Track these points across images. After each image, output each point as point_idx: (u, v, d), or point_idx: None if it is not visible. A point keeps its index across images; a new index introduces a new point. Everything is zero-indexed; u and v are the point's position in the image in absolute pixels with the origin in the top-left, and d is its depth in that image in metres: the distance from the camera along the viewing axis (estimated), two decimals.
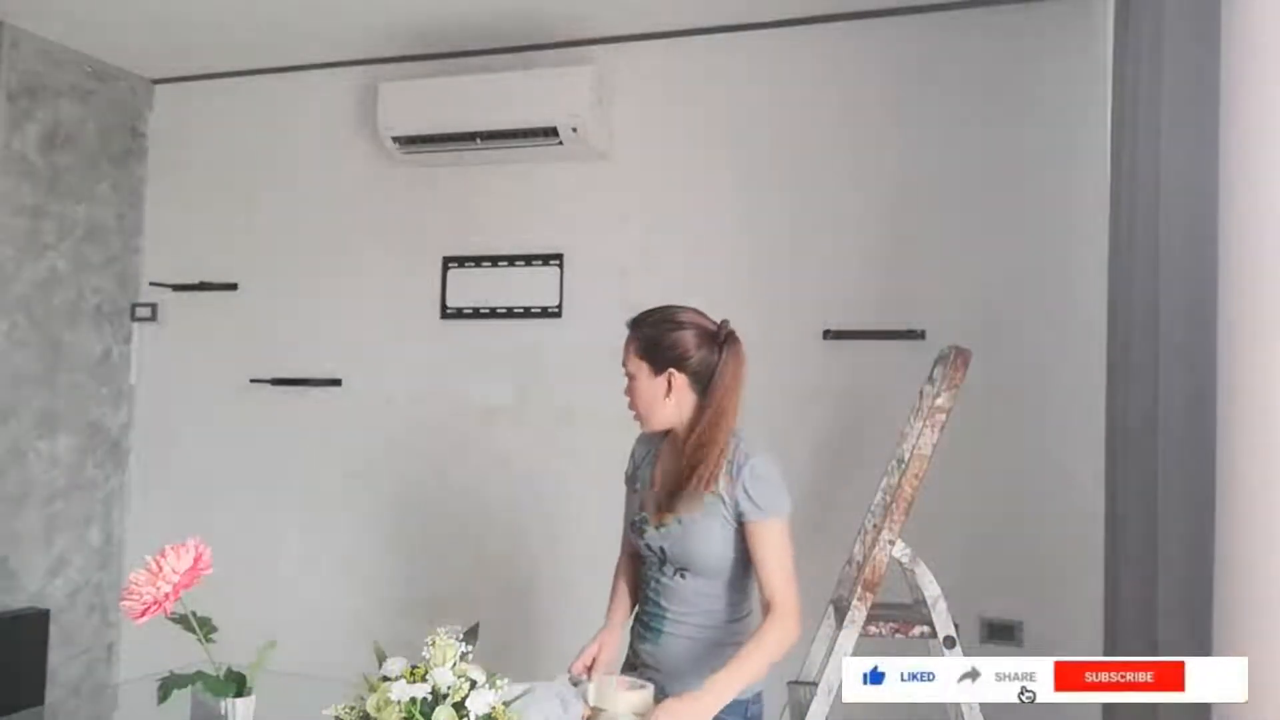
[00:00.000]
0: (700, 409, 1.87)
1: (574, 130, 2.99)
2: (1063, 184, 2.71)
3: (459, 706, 1.34)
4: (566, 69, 3.04)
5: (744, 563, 1.86)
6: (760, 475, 1.82)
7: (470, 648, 1.42)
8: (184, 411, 3.61)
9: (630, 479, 2.09)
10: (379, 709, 1.35)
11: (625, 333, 3.21)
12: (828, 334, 2.89)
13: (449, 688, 1.35)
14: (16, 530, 3.26)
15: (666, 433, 1.97)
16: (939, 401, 2.05)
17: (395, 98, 3.15)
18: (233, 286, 3.56)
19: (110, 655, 3.59)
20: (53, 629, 3.30)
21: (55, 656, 3.33)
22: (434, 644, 1.39)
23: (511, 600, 3.15)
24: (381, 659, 1.42)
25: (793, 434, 2.92)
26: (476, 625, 1.48)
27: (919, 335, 2.78)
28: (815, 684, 2.09)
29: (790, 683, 2.31)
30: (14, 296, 3.24)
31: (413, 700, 1.33)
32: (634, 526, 1.98)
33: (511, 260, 3.24)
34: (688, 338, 1.90)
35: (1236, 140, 1.49)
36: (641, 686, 1.68)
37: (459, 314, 3.29)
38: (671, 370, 1.88)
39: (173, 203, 3.67)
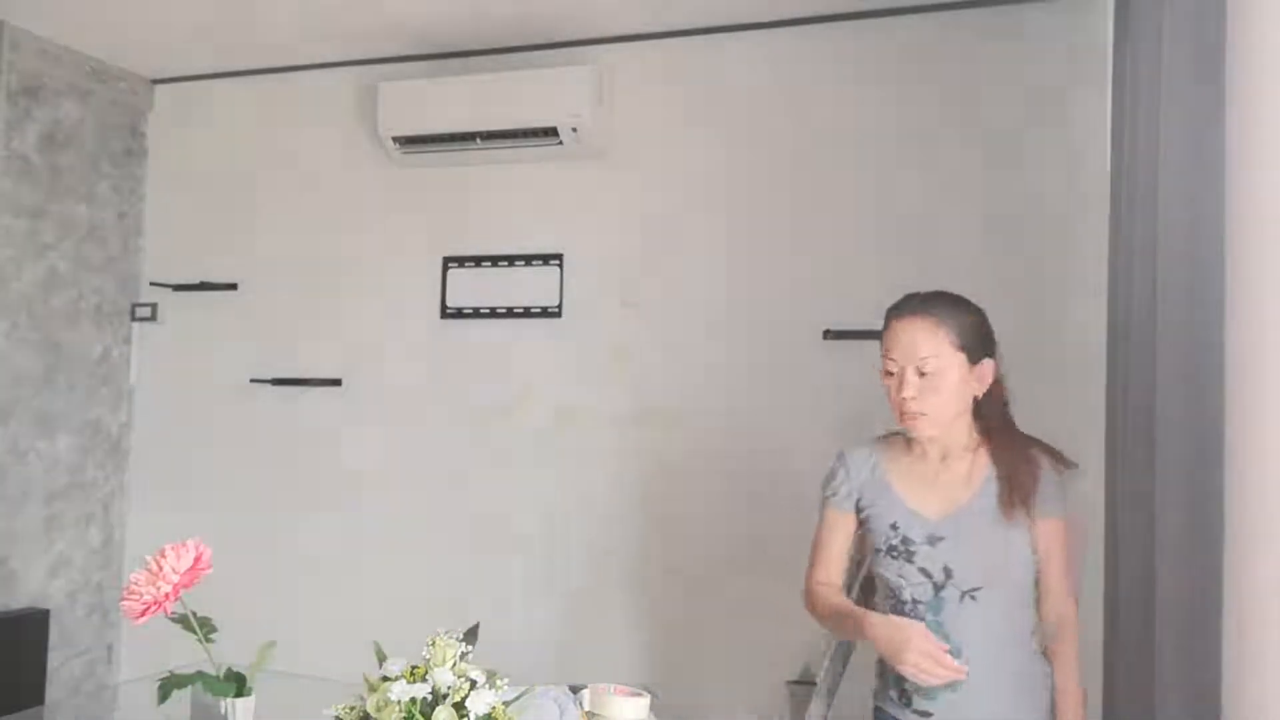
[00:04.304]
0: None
1: (574, 130, 3.00)
2: (1063, 184, 2.71)
3: (459, 706, 1.34)
4: (566, 69, 3.04)
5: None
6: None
7: (470, 648, 1.42)
8: (184, 411, 3.61)
9: (857, 501, 1.85)
10: (379, 709, 1.35)
11: (633, 332, 3.20)
12: (828, 334, 2.89)
13: (449, 688, 1.35)
14: (16, 530, 3.26)
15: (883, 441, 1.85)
16: None
17: (395, 98, 3.15)
18: (233, 286, 3.56)
19: (110, 655, 3.59)
20: (53, 629, 3.30)
21: (55, 656, 3.33)
22: (434, 644, 1.39)
23: (511, 601, 3.15)
24: (381, 659, 1.42)
25: (793, 434, 2.92)
26: (476, 625, 1.48)
27: None
28: (815, 684, 2.09)
29: (790, 683, 2.31)
30: (14, 296, 3.24)
31: (413, 700, 1.33)
32: (894, 551, 1.76)
33: (511, 260, 3.24)
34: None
35: (1241, 140, 1.49)
36: (638, 694, 1.68)
37: (459, 314, 3.29)
38: (988, 359, 1.72)
39: (173, 203, 3.68)
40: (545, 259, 3.21)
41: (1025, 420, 2.76)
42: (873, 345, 2.82)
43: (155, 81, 3.71)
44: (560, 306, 3.18)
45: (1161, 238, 1.81)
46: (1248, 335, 1.45)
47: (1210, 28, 1.63)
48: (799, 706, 2.17)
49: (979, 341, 1.71)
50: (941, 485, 1.74)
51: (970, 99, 2.82)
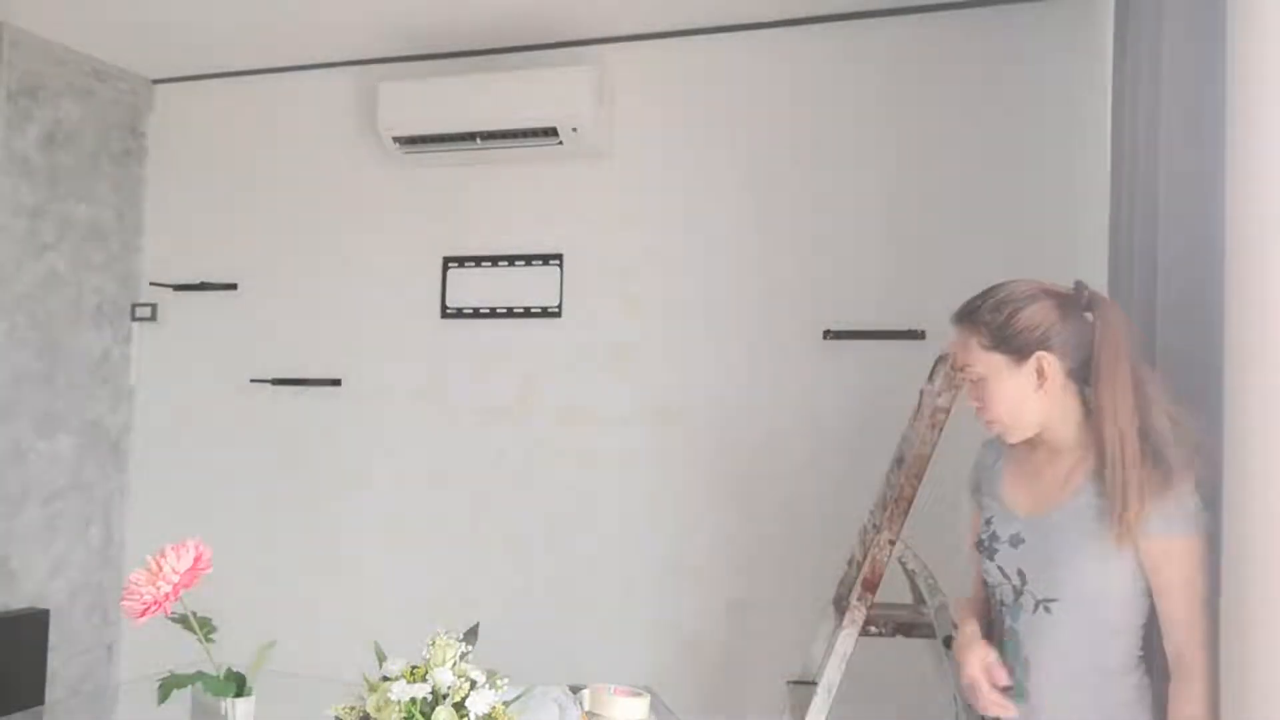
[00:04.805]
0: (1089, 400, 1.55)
1: (574, 130, 2.99)
2: (1063, 184, 2.71)
3: (459, 706, 1.34)
4: (566, 69, 3.04)
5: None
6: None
7: (470, 648, 1.42)
8: (184, 411, 3.61)
9: (975, 489, 1.79)
10: (379, 709, 1.35)
11: (633, 332, 3.21)
12: (828, 334, 2.89)
13: (449, 688, 1.35)
14: (16, 530, 3.26)
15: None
16: (939, 401, 2.05)
17: (395, 98, 3.15)
18: (233, 286, 3.56)
19: (110, 655, 3.59)
20: (53, 629, 3.30)
21: (55, 656, 3.33)
22: (434, 644, 1.39)
23: (510, 601, 3.15)
24: (381, 659, 1.43)
25: (793, 434, 2.92)
26: (476, 625, 1.48)
27: (919, 335, 2.79)
28: (815, 684, 2.09)
29: (790, 683, 2.31)
30: (14, 296, 3.24)
31: (413, 700, 1.33)
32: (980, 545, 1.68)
33: (511, 260, 3.24)
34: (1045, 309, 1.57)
35: (1241, 139, 1.49)
36: (638, 694, 1.68)
37: (459, 314, 3.29)
38: (1043, 352, 1.56)
39: (173, 203, 3.68)
40: (545, 259, 3.21)
41: None
42: (873, 345, 2.85)
43: (155, 81, 3.71)
44: (560, 306, 3.18)
45: (1161, 237, 1.81)
46: (1247, 336, 1.45)
47: (1210, 28, 1.63)
48: (799, 706, 2.17)
49: (1019, 337, 1.56)
50: (1042, 483, 1.62)
51: (970, 99, 2.82)
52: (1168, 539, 1.48)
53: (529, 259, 3.22)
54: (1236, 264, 1.48)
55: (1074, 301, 1.59)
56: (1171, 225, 1.78)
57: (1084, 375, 1.57)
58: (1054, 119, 2.74)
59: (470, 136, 3.09)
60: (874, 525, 2.22)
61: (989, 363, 1.59)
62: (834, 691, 2.02)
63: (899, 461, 2.17)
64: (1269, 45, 1.41)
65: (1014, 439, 1.63)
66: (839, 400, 2.89)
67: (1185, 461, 1.48)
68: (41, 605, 3.31)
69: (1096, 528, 1.51)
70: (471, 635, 1.45)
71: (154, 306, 3.63)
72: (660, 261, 3.09)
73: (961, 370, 1.65)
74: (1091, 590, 1.52)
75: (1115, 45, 2.31)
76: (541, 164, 3.19)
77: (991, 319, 1.59)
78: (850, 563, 2.30)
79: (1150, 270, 1.88)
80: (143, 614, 1.39)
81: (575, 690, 1.72)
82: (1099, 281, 2.36)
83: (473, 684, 1.37)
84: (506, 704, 1.39)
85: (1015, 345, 1.57)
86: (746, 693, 2.88)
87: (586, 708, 1.66)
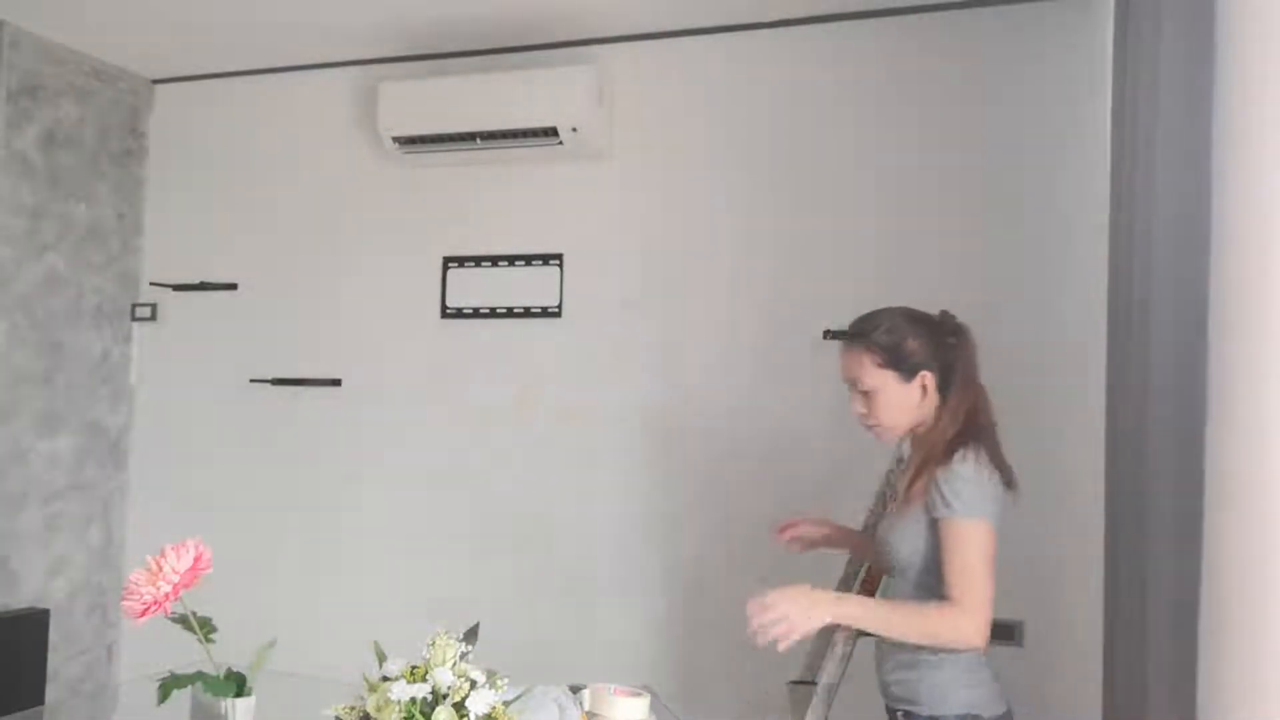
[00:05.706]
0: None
1: (574, 130, 3.00)
2: (1063, 185, 2.72)
3: (459, 706, 1.34)
4: (566, 69, 3.04)
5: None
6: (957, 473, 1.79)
7: (470, 648, 1.42)
8: (184, 412, 3.61)
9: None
10: (379, 709, 1.35)
11: (633, 332, 3.21)
12: (828, 334, 2.89)
13: (449, 688, 1.35)
14: (16, 530, 3.26)
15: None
16: None
17: (395, 98, 3.15)
18: (233, 286, 3.56)
19: (110, 655, 3.59)
20: (53, 629, 3.30)
21: (55, 656, 3.33)
22: (434, 644, 1.39)
23: (510, 601, 3.15)
24: (381, 659, 1.43)
25: (792, 434, 2.92)
26: (476, 625, 1.48)
27: None
28: (815, 684, 2.09)
29: (790, 682, 2.31)
30: (14, 296, 3.24)
31: (413, 700, 1.33)
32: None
33: (511, 260, 3.24)
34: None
35: (1231, 140, 1.49)
36: (638, 694, 1.68)
37: (459, 314, 3.29)
38: (925, 371, 1.88)
39: (173, 203, 3.68)
40: (545, 259, 3.21)
41: (1022, 422, 2.76)
42: None
43: (155, 81, 3.71)
44: (560, 306, 3.18)
45: (1159, 237, 1.81)
46: (1232, 334, 1.46)
47: (1209, 28, 1.63)
48: (799, 706, 2.17)
49: (909, 359, 1.86)
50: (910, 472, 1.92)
51: (970, 99, 2.82)
52: (943, 520, 1.77)
53: (529, 259, 3.22)
54: (1222, 264, 1.48)
55: (942, 328, 1.92)
56: (1166, 225, 1.78)
57: (945, 388, 1.88)
58: (1054, 119, 2.74)
59: (470, 136, 3.09)
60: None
61: (881, 378, 1.88)
62: (834, 691, 2.02)
63: (899, 461, 2.17)
64: (1264, 45, 1.42)
65: (889, 439, 1.95)
66: (839, 400, 2.87)
67: (971, 456, 1.78)
68: (41, 605, 3.31)
69: (908, 509, 1.84)
70: (471, 635, 1.45)
71: (154, 306, 3.63)
72: (660, 261, 3.09)
73: (850, 383, 1.92)
74: (905, 559, 1.85)
75: (1115, 45, 2.31)
76: (541, 164, 3.19)
77: (885, 341, 1.88)
78: (850, 563, 2.30)
79: (1146, 270, 1.88)
80: (143, 614, 1.39)
81: (575, 690, 1.71)
82: (1099, 282, 2.37)
83: (473, 684, 1.37)
84: (506, 704, 1.39)
85: (905, 366, 1.87)
86: (747, 693, 2.88)
87: (586, 708, 1.66)
